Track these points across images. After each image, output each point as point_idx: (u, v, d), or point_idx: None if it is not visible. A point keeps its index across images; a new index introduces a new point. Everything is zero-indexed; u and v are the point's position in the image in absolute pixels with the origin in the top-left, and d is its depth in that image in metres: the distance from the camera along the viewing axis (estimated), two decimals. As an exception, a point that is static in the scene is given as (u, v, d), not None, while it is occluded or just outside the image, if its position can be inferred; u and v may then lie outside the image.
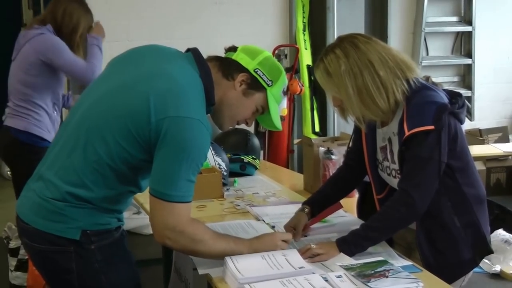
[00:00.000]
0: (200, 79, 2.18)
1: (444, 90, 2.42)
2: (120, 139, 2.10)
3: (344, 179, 2.72)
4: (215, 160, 3.40)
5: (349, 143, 2.74)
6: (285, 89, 2.36)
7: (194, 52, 2.26)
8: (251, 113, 2.32)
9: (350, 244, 2.30)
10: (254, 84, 2.27)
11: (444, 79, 6.91)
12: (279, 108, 5.62)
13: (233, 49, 2.31)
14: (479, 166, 5.59)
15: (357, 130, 2.63)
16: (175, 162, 2.07)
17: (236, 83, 2.25)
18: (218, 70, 2.25)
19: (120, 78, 2.20)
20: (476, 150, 5.92)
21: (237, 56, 2.27)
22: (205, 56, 2.29)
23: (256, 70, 2.26)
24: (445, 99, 2.34)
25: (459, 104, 2.38)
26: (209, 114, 2.27)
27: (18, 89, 3.95)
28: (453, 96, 2.40)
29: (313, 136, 5.84)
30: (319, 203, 2.66)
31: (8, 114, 4.01)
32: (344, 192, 2.74)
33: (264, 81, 2.27)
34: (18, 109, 3.94)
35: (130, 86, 2.14)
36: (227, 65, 2.26)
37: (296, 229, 2.53)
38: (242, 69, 2.25)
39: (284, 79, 2.33)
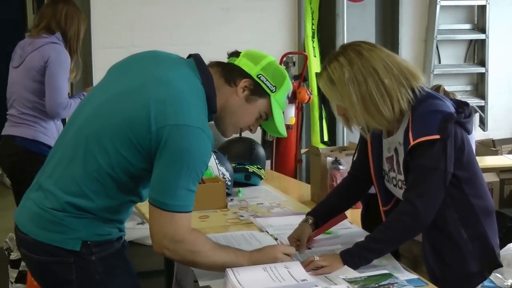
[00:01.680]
0: (201, 86, 2.19)
1: (451, 99, 2.42)
2: (120, 147, 2.11)
3: (349, 189, 2.73)
4: (219, 169, 3.42)
5: (354, 153, 2.75)
6: (289, 95, 2.36)
7: (196, 59, 2.26)
8: (254, 119, 2.32)
9: (354, 256, 2.30)
10: (257, 90, 2.27)
11: (457, 88, 6.89)
12: (287, 116, 5.66)
13: (235, 54, 2.32)
14: (492, 178, 5.57)
15: (362, 140, 2.64)
16: (174, 171, 2.07)
17: (238, 89, 2.25)
18: (220, 76, 2.26)
19: (119, 85, 2.20)
20: (489, 161, 5.90)
21: (240, 62, 2.28)
22: (207, 62, 2.29)
23: (259, 76, 2.26)
24: (451, 108, 2.35)
25: (465, 114, 2.38)
26: (212, 122, 2.28)
27: (24, 97, 3.97)
28: (460, 105, 2.41)
29: (321, 146, 5.84)
30: (324, 214, 2.66)
31: (12, 123, 4.02)
32: (349, 203, 2.75)
33: (267, 87, 2.27)
34: (24, 117, 3.96)
35: (130, 94, 2.15)
36: (229, 71, 2.27)
37: (300, 240, 2.54)
38: (244, 74, 2.26)
39: (288, 84, 2.33)
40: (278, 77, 2.30)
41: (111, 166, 2.12)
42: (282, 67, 2.37)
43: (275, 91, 2.28)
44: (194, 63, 2.24)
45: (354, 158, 2.76)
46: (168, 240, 2.12)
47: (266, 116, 2.33)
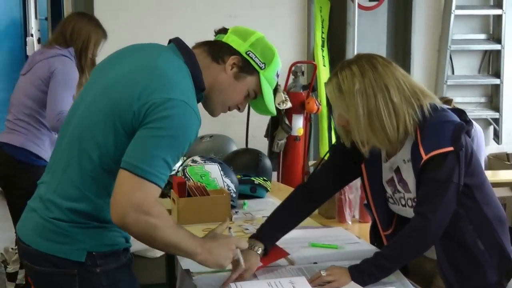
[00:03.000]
0: (185, 65, 2.17)
1: (450, 109, 2.41)
2: (110, 138, 2.09)
3: (301, 205, 2.63)
4: (224, 181, 3.42)
5: (317, 166, 2.70)
6: (278, 72, 2.34)
7: (176, 41, 2.26)
8: (243, 97, 2.30)
9: (364, 273, 2.29)
10: (246, 67, 2.25)
11: (471, 100, 6.89)
12: (295, 127, 5.65)
13: (223, 31, 2.31)
14: (505, 193, 5.55)
15: (338, 157, 2.62)
16: (153, 137, 2.02)
17: (227, 66, 2.24)
18: (208, 54, 2.25)
19: (105, 80, 2.20)
20: (503, 175, 5.89)
21: (228, 38, 2.26)
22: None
23: (248, 52, 2.25)
24: (457, 118, 2.35)
25: (470, 122, 2.40)
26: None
27: (23, 103, 3.98)
28: (460, 114, 2.41)
29: (330, 158, 5.83)
30: (272, 236, 2.54)
31: (6, 129, 4.03)
32: (297, 221, 2.64)
33: (256, 63, 2.26)
34: (19, 123, 3.96)
35: (116, 84, 2.14)
36: (217, 48, 2.25)
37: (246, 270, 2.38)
38: (233, 51, 2.24)
39: (277, 61, 2.31)
40: (267, 54, 2.28)
41: (105, 161, 2.11)
42: (271, 44, 2.34)
43: (264, 68, 2.27)
44: (175, 45, 2.24)
45: (316, 171, 2.67)
46: (133, 209, 1.99)
47: (255, 94, 2.31)
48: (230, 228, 2.50)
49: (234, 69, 2.24)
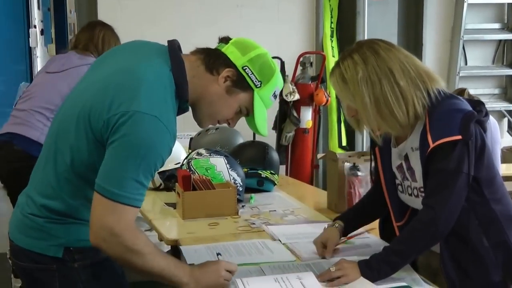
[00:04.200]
0: (170, 74, 2.13)
1: (465, 99, 2.40)
2: (82, 143, 2.08)
3: (377, 199, 2.66)
4: (230, 174, 3.42)
5: (370, 165, 2.71)
6: (276, 93, 2.30)
7: (169, 45, 2.22)
8: (233, 113, 2.27)
9: (374, 270, 2.28)
10: (240, 83, 2.21)
11: (484, 91, 6.86)
12: (304, 119, 5.64)
13: (225, 40, 2.26)
14: (519, 187, 5.53)
15: (372, 151, 2.63)
16: (121, 158, 2.01)
17: (220, 78, 2.20)
18: (202, 63, 2.20)
19: (88, 80, 2.21)
20: (517, 169, 5.87)
21: (227, 49, 2.22)
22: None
23: (244, 68, 2.20)
24: (469, 107, 2.34)
25: (483, 112, 2.38)
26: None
27: (51, 100, 4.02)
28: (476, 104, 2.40)
29: (339, 151, 5.84)
30: (354, 220, 2.67)
31: (14, 120, 4.04)
32: (379, 212, 2.70)
33: (251, 80, 2.21)
34: (36, 116, 4.00)
35: (92, 86, 2.13)
36: (213, 58, 2.21)
37: (326, 246, 2.54)
38: (229, 63, 2.20)
39: (276, 81, 2.27)
40: (265, 72, 2.24)
41: (77, 165, 2.10)
42: (274, 61, 2.30)
43: (260, 86, 2.23)
44: (168, 50, 2.20)
45: (372, 168, 2.73)
46: (106, 232, 2.01)
47: (247, 112, 2.28)
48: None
49: (227, 82, 2.20)
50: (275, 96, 2.29)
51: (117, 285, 2.30)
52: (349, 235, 2.68)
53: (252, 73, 2.21)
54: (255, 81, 2.22)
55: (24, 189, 2.28)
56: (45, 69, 4.25)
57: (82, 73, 3.91)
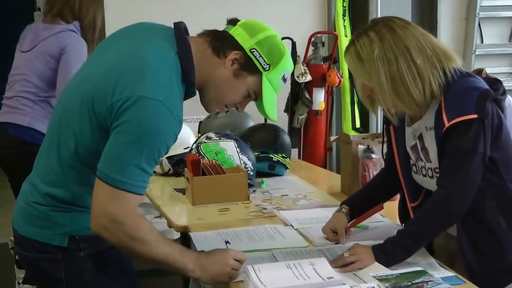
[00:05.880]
0: (176, 57, 2.11)
1: (482, 78, 2.39)
2: (87, 130, 2.08)
3: (386, 181, 2.71)
4: (240, 158, 3.41)
5: (383, 144, 2.71)
6: (286, 76, 2.29)
7: (176, 28, 2.19)
8: (241, 97, 2.25)
9: (388, 254, 2.27)
10: (248, 66, 2.19)
11: (500, 70, 6.82)
12: (316, 101, 5.62)
13: (233, 22, 2.24)
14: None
15: (387, 131, 2.63)
16: (124, 143, 2.00)
17: (227, 61, 2.18)
18: (208, 46, 2.18)
19: (94, 63, 2.19)
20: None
21: (235, 31, 2.20)
22: None
23: (252, 50, 2.18)
24: (486, 85, 2.32)
25: (500, 91, 2.36)
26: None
27: (29, 81, 4.00)
28: (493, 82, 2.38)
29: (353, 133, 5.82)
30: (360, 204, 2.67)
31: (6, 109, 4.03)
32: (388, 194, 2.74)
33: (260, 63, 2.19)
34: (22, 101, 3.96)
35: (97, 69, 2.12)
36: (220, 41, 2.18)
37: (337, 231, 2.55)
38: (236, 46, 2.18)
39: (285, 64, 2.25)
40: (274, 54, 2.21)
41: (81, 151, 2.10)
42: (284, 43, 2.27)
43: (268, 69, 2.21)
44: (174, 33, 2.17)
45: (385, 152, 2.73)
46: (108, 219, 2.01)
47: (256, 96, 2.26)
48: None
49: (235, 65, 2.18)
50: (284, 80, 2.27)
51: (123, 273, 2.30)
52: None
53: (260, 56, 2.19)
54: (264, 64, 2.20)
55: (20, 174, 2.27)
56: (19, 48, 4.17)
57: (48, 44, 3.96)
